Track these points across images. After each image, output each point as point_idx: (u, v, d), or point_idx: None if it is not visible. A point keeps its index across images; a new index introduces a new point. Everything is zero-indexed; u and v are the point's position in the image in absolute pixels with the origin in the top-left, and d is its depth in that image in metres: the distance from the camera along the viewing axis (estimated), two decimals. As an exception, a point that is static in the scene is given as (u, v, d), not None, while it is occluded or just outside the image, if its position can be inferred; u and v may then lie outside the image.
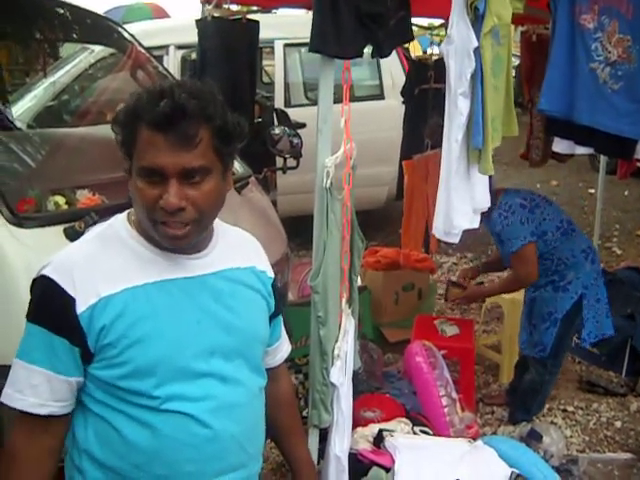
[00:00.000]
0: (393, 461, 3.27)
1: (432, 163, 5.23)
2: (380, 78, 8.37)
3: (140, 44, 4.38)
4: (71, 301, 1.77)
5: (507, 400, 5.04)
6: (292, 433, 2.37)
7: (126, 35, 4.40)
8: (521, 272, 4.43)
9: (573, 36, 3.39)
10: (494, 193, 4.32)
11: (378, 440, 3.45)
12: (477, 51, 2.89)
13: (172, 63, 7.55)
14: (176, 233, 1.77)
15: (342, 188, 2.92)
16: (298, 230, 5.22)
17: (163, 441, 1.83)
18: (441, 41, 3.09)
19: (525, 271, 4.39)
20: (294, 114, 6.66)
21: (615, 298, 4.85)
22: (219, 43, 4.90)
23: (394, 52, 4.83)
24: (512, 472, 3.27)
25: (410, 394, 4.14)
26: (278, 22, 8.43)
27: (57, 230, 2.59)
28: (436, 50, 5.83)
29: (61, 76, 5.49)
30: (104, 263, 1.83)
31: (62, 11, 4.19)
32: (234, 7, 5.28)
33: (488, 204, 3.22)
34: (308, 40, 2.70)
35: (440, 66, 3.45)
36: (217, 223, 2.00)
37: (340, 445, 3.00)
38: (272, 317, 2.16)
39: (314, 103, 3.04)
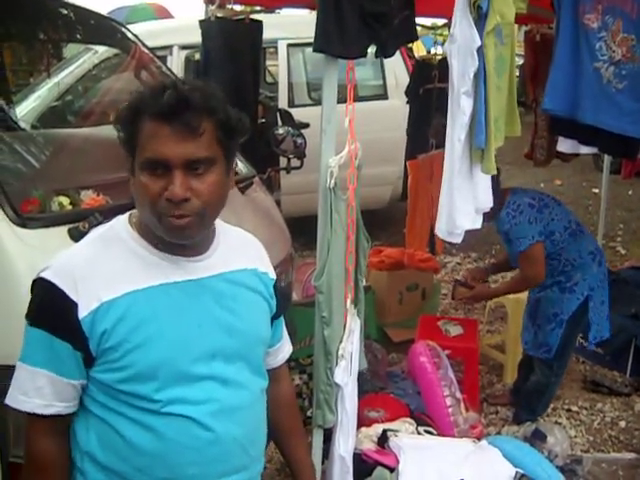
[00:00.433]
0: (397, 461, 3.28)
1: (437, 163, 5.21)
2: (384, 78, 8.37)
3: (144, 44, 4.37)
4: (73, 306, 1.76)
5: (511, 400, 5.04)
6: (292, 434, 2.35)
7: (130, 35, 4.40)
8: (529, 272, 4.43)
9: (577, 36, 3.39)
10: (502, 193, 4.33)
11: (382, 440, 3.46)
12: (480, 50, 2.89)
13: (176, 63, 7.56)
14: (180, 223, 1.76)
15: (346, 188, 2.92)
16: (302, 230, 5.22)
17: (165, 444, 1.83)
18: (445, 41, 3.08)
19: (533, 271, 4.39)
20: (298, 114, 6.66)
21: (619, 298, 4.85)
22: (222, 43, 4.90)
23: (398, 52, 4.82)
24: (516, 472, 3.27)
25: (414, 394, 4.14)
26: (281, 22, 8.43)
27: (61, 231, 2.59)
28: (440, 50, 5.84)
29: (65, 76, 5.49)
30: (105, 266, 1.83)
31: (66, 12, 4.20)
32: (237, 7, 5.28)
33: (490, 204, 3.21)
34: (312, 40, 2.70)
35: (444, 66, 3.45)
36: (219, 224, 2.00)
37: (344, 445, 2.99)
38: (273, 318, 2.15)
39: (318, 103, 3.05)
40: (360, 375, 3.43)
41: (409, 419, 3.70)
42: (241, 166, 3.99)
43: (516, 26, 3.25)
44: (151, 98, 1.73)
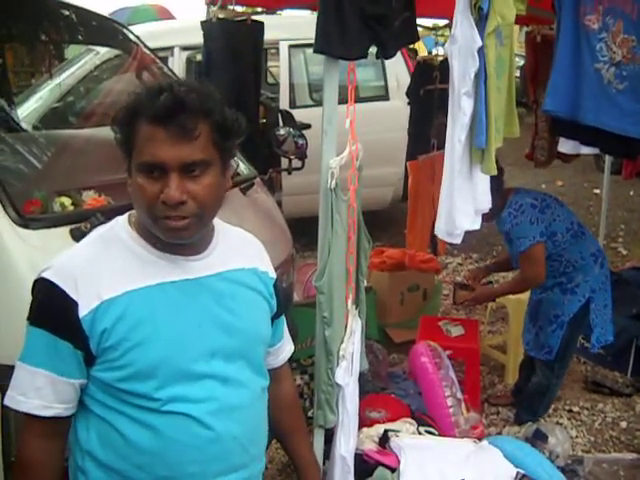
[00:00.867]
0: (398, 461, 3.28)
1: (438, 164, 5.21)
2: (385, 79, 8.38)
3: (145, 45, 4.38)
4: (74, 305, 1.77)
5: (512, 400, 5.05)
6: (296, 433, 2.37)
7: (131, 37, 4.41)
8: (529, 272, 4.43)
9: (578, 37, 3.39)
10: (505, 193, 4.34)
11: (383, 440, 3.46)
12: (481, 51, 2.89)
13: (177, 64, 7.57)
14: (177, 225, 1.77)
15: (347, 189, 2.92)
16: (303, 231, 5.23)
17: (165, 442, 1.84)
18: (446, 41, 3.09)
19: (533, 272, 4.39)
20: (299, 115, 6.66)
21: (620, 298, 4.85)
22: (224, 44, 4.91)
23: (399, 53, 4.82)
24: (517, 472, 3.27)
25: (415, 394, 4.15)
26: (283, 23, 8.45)
27: (63, 231, 2.60)
28: (441, 50, 5.84)
29: (66, 78, 5.50)
30: (105, 266, 1.84)
31: (67, 13, 4.20)
32: (239, 8, 5.29)
33: (489, 205, 3.21)
34: (313, 41, 2.71)
35: (445, 67, 3.45)
36: (218, 223, 2.01)
37: (346, 445, 3.00)
38: (274, 318, 2.16)
39: (319, 104, 3.04)
40: (361, 375, 3.44)
41: (410, 419, 3.71)
42: (242, 167, 4.00)
43: (517, 27, 3.26)
44: (147, 100, 1.74)
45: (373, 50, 2.97)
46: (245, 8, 5.51)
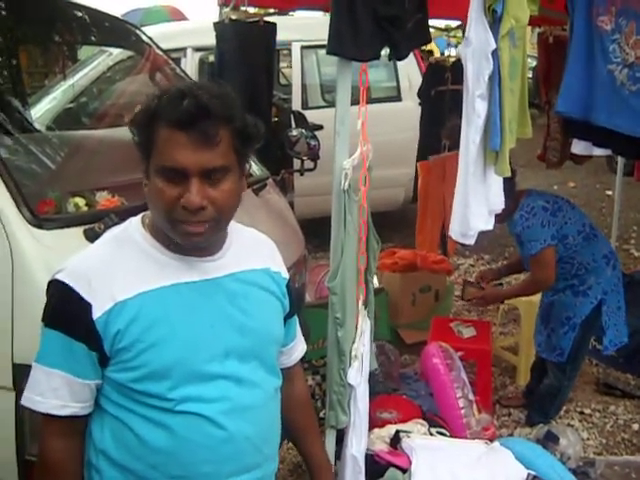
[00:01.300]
0: (410, 462, 3.28)
1: (450, 164, 5.22)
2: (397, 80, 8.39)
3: (158, 46, 4.39)
4: (88, 307, 1.79)
5: (524, 402, 5.04)
6: (308, 433, 2.38)
7: (144, 38, 4.42)
8: (539, 275, 4.43)
9: (591, 38, 3.39)
10: (517, 194, 4.33)
11: (395, 441, 3.46)
12: (495, 53, 2.89)
13: (190, 65, 7.59)
14: (196, 230, 1.78)
15: (359, 189, 2.93)
16: (315, 232, 5.23)
17: (179, 442, 1.85)
18: (458, 43, 3.09)
19: (543, 274, 4.39)
20: (311, 116, 6.67)
21: (633, 300, 4.83)
22: (236, 45, 4.92)
23: (411, 54, 4.82)
24: (529, 474, 3.27)
25: (427, 395, 4.15)
26: (295, 24, 8.45)
27: (77, 231, 2.60)
28: (453, 52, 5.84)
29: (80, 78, 5.51)
30: (119, 267, 1.85)
31: (80, 14, 4.21)
32: (251, 9, 5.31)
33: (502, 205, 3.21)
34: (325, 42, 2.70)
35: (457, 68, 3.45)
36: (231, 224, 2.00)
37: (357, 446, 3.00)
38: (287, 317, 2.17)
39: (331, 105, 3.05)
40: (373, 376, 3.44)
41: (421, 420, 3.71)
42: (255, 168, 4.00)
43: (529, 28, 3.25)
44: (169, 104, 1.74)
45: (385, 51, 2.97)
46: (257, 9, 5.52)
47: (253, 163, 3.94)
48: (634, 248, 8.41)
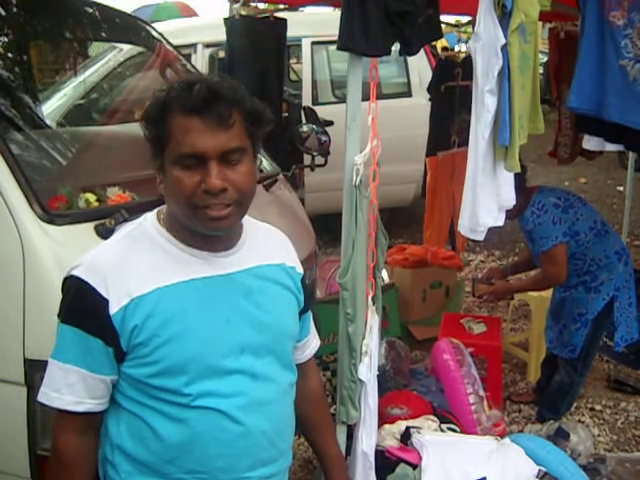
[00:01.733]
0: (420, 458, 3.28)
1: (459, 160, 5.22)
2: (408, 76, 8.36)
3: (168, 42, 4.40)
4: (104, 302, 1.79)
5: (534, 398, 5.03)
6: (322, 427, 2.38)
7: (154, 34, 4.42)
8: (550, 272, 4.43)
9: (602, 33, 3.37)
10: (528, 191, 4.33)
11: (405, 437, 3.46)
12: (504, 48, 2.88)
13: (200, 61, 7.60)
14: (219, 214, 1.79)
15: (368, 185, 2.92)
16: (326, 228, 5.24)
17: (195, 437, 1.86)
18: (469, 38, 3.08)
19: (554, 271, 4.39)
20: (322, 112, 6.66)
21: (644, 296, 4.81)
22: (247, 41, 4.93)
23: (422, 50, 4.80)
24: (539, 470, 3.27)
25: (437, 391, 4.14)
26: (305, 20, 8.46)
27: (88, 227, 2.61)
28: (464, 47, 5.82)
29: (90, 75, 5.52)
30: (135, 263, 1.85)
31: (91, 10, 4.22)
32: (261, 5, 5.32)
33: (513, 202, 3.21)
34: (335, 38, 2.71)
35: (467, 63, 3.44)
36: (246, 220, 2.01)
37: (367, 441, 3.00)
38: (301, 313, 2.18)
39: (342, 101, 3.05)
40: (383, 372, 3.44)
41: (432, 416, 3.70)
42: (265, 164, 4.00)
43: (540, 23, 3.24)
44: (182, 92, 1.76)
45: (396, 47, 2.97)
46: (267, 5, 5.52)
47: (264, 159, 3.94)
48: (645, 244, 8.39)
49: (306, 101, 7.75)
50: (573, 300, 4.52)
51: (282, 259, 2.11)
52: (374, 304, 3.23)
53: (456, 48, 6.22)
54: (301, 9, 8.39)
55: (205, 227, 1.83)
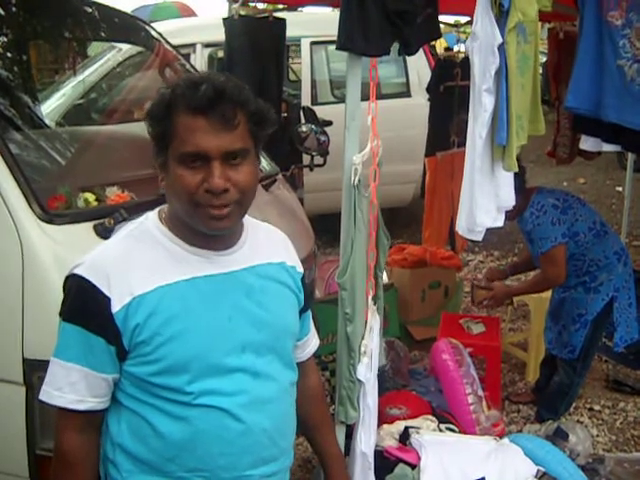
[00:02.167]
0: (419, 458, 3.28)
1: (458, 160, 5.21)
2: (407, 76, 8.36)
3: (167, 42, 4.40)
4: (106, 301, 1.79)
5: (533, 398, 5.03)
6: (322, 426, 2.39)
7: (153, 33, 4.43)
8: (550, 273, 4.43)
9: (601, 33, 3.37)
10: (527, 192, 4.33)
11: (404, 437, 3.46)
12: (501, 47, 2.88)
13: (199, 61, 7.60)
14: (220, 213, 1.80)
15: (368, 185, 2.92)
16: (325, 228, 5.24)
17: (196, 435, 1.86)
18: (467, 38, 3.08)
19: (554, 272, 4.39)
20: (321, 112, 6.65)
21: (643, 297, 4.82)
22: (246, 41, 4.92)
23: (421, 50, 4.81)
24: (538, 470, 3.27)
25: (436, 392, 4.15)
26: (304, 20, 8.47)
27: (87, 227, 2.62)
28: (463, 47, 5.82)
29: (89, 74, 5.53)
30: (137, 261, 1.86)
31: (90, 10, 4.22)
32: (260, 5, 5.31)
33: (512, 202, 3.20)
34: (334, 38, 2.71)
35: (466, 63, 3.44)
36: (246, 219, 2.02)
37: (366, 441, 3.00)
38: (301, 311, 2.18)
39: (341, 101, 3.05)
40: (382, 372, 3.44)
41: (431, 416, 3.70)
42: (265, 164, 4.00)
43: (540, 24, 3.24)
44: (187, 91, 1.77)
45: (395, 47, 2.97)
46: (266, 5, 5.51)
47: (263, 159, 3.94)
48: (644, 244, 8.39)
49: (305, 101, 7.74)
50: (572, 301, 4.52)
51: (282, 258, 2.11)
52: (375, 304, 3.24)
53: (455, 48, 6.21)
54: (300, 9, 8.38)
55: (206, 226, 1.84)
